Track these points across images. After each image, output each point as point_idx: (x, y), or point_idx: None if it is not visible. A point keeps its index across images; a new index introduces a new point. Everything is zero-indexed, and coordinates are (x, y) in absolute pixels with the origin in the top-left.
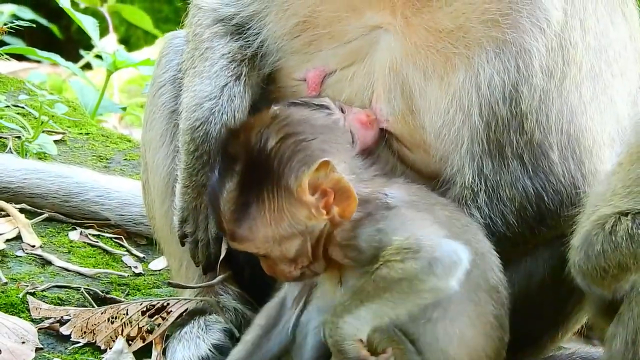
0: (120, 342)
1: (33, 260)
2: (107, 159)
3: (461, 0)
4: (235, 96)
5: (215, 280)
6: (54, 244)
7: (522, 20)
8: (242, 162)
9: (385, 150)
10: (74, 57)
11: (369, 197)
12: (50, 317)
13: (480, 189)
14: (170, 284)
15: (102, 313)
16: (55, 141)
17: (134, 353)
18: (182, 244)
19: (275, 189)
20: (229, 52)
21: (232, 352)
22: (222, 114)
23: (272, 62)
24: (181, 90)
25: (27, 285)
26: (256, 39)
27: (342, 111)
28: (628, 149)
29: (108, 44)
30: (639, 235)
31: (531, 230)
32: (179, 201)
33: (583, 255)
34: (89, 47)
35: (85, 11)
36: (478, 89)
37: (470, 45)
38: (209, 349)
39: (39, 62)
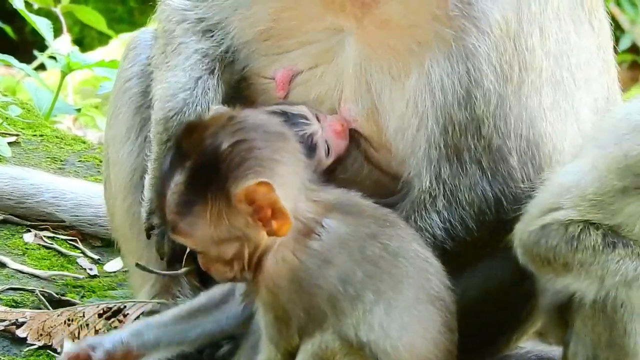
0: (67, 344)
1: None
2: (61, 161)
3: (404, 2)
4: (209, 89)
5: (180, 271)
6: (9, 246)
7: (465, 22)
8: (193, 159)
9: (354, 149)
10: (28, 58)
11: (306, 222)
12: (6, 320)
13: (439, 193)
14: (137, 265)
15: (58, 315)
16: (9, 143)
17: None
18: (148, 237)
19: (218, 192)
20: (203, 48)
21: (166, 312)
22: (196, 105)
23: (243, 60)
24: (148, 85)
25: None
26: (224, 42)
27: (318, 120)
28: (606, 154)
29: (62, 45)
30: (601, 253)
31: (490, 235)
32: (147, 192)
33: (534, 239)
34: (43, 48)
35: (39, 12)
36: (432, 92)
37: (421, 45)
38: None
39: None
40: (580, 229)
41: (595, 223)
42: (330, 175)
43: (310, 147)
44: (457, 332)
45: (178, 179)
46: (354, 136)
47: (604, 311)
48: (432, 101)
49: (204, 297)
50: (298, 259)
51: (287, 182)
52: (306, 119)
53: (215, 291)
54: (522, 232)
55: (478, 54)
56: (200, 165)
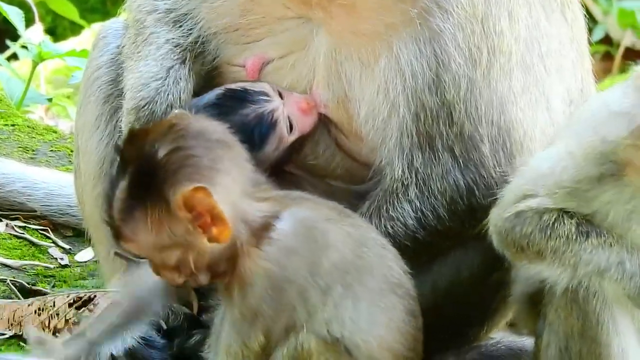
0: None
1: None
2: (33, 151)
3: None
4: (180, 78)
5: None
6: None
7: (428, 2)
8: (133, 166)
9: (325, 135)
10: (0, 48)
11: (262, 219)
12: None
13: (411, 182)
14: (116, 254)
15: (29, 305)
16: None
17: None
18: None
19: (156, 200)
20: (174, 38)
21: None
22: (168, 94)
23: (213, 51)
24: (118, 74)
25: None
26: (192, 33)
27: (281, 97)
28: (583, 142)
29: (34, 35)
30: (575, 242)
31: (462, 224)
32: None
33: (509, 226)
34: (15, 37)
35: (12, 2)
36: (402, 76)
37: (388, 27)
38: (136, 341)
39: None
40: (555, 218)
41: (569, 212)
42: (298, 154)
43: (270, 124)
44: (421, 317)
45: (122, 186)
46: (326, 123)
47: (576, 301)
48: (403, 86)
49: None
50: (264, 252)
51: (226, 189)
52: (267, 95)
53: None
54: (497, 218)
55: (444, 35)
56: (139, 172)
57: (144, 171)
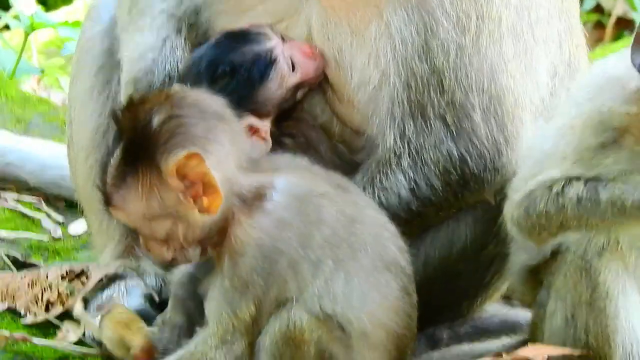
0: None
1: None
2: (25, 122)
3: None
4: (177, 48)
5: None
6: None
7: None
8: (128, 133)
9: (320, 98)
10: None
11: (256, 189)
12: None
13: (404, 152)
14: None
15: (22, 278)
16: None
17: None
18: None
19: (149, 167)
20: (168, 8)
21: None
22: (165, 64)
23: (207, 21)
24: (111, 45)
25: None
26: (185, 1)
27: (283, 40)
28: (582, 112)
29: (26, 5)
30: (586, 200)
31: (455, 195)
32: None
33: (522, 212)
34: (6, 7)
35: None
36: (392, 43)
37: None
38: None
39: None
40: (563, 184)
41: (575, 177)
42: (301, 101)
43: (269, 61)
44: (416, 295)
45: (117, 153)
46: (323, 86)
47: (587, 270)
48: (394, 54)
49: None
50: (255, 221)
51: (219, 159)
52: (266, 35)
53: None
54: (510, 208)
55: (430, 0)
56: (133, 139)
57: (138, 138)
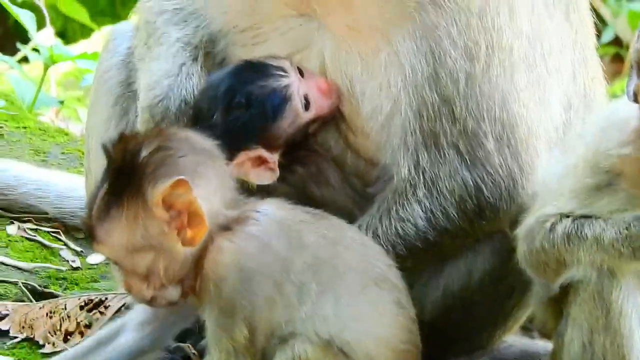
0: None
1: None
2: (44, 153)
3: None
4: (193, 74)
5: None
6: None
7: None
8: (115, 164)
9: (333, 130)
10: (11, 50)
11: (240, 213)
12: None
13: (419, 182)
14: None
15: (40, 308)
16: None
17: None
18: None
19: (134, 197)
20: (184, 36)
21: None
22: (181, 89)
23: (221, 52)
24: (128, 76)
25: None
26: (199, 31)
27: (302, 75)
28: (585, 152)
29: (45, 37)
30: (574, 236)
31: (471, 224)
32: None
33: (526, 248)
34: (26, 40)
35: (22, 4)
36: (402, 72)
37: (386, 21)
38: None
39: None
40: (553, 221)
41: (567, 214)
42: (314, 137)
43: (284, 98)
44: (413, 309)
45: (104, 185)
46: (336, 117)
47: (599, 293)
48: (404, 82)
49: (90, 340)
50: (236, 245)
51: (207, 192)
52: (284, 71)
53: (101, 332)
54: (519, 243)
55: (438, 30)
56: (120, 169)
57: (125, 168)
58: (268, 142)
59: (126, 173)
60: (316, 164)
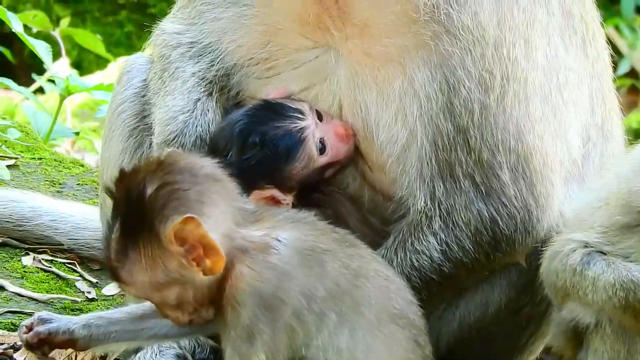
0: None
1: None
2: (60, 184)
3: (376, 4)
4: (208, 110)
5: None
6: (7, 269)
7: (436, 26)
8: (123, 206)
9: (352, 169)
10: (26, 81)
11: (259, 241)
12: (4, 343)
13: (435, 213)
14: None
15: None
16: (8, 166)
17: None
18: None
19: (148, 237)
20: (199, 71)
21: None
22: (197, 126)
23: (236, 84)
24: (142, 109)
25: None
26: (214, 65)
27: (320, 119)
28: (618, 190)
29: (60, 68)
30: (577, 272)
31: (486, 256)
32: None
33: (546, 266)
34: (41, 71)
35: (38, 35)
36: (418, 101)
37: (401, 50)
38: None
39: None
40: (572, 249)
41: (588, 244)
42: (328, 180)
43: (297, 141)
44: (429, 346)
45: (116, 228)
46: (354, 154)
47: (621, 326)
48: (420, 112)
49: (132, 308)
50: (256, 272)
51: (216, 219)
52: (301, 113)
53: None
54: (543, 264)
55: (452, 59)
56: (129, 211)
57: (133, 210)
58: (281, 183)
59: (135, 215)
60: (333, 207)
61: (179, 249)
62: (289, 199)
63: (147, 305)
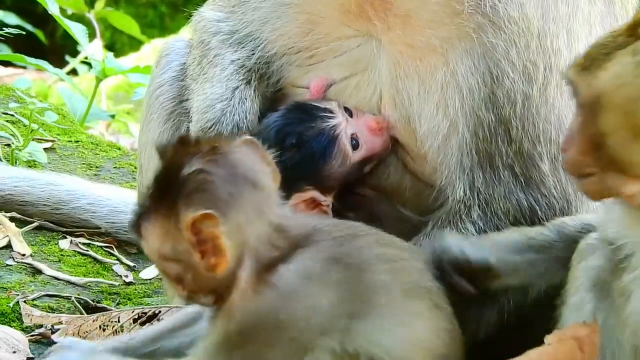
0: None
1: (23, 269)
2: (97, 167)
3: None
4: (246, 98)
5: None
6: (45, 253)
7: (480, 18)
8: (163, 171)
9: (392, 157)
10: (59, 63)
11: (267, 260)
12: (42, 325)
13: (474, 202)
14: None
15: (93, 320)
16: (45, 149)
17: None
18: None
19: (169, 211)
20: (239, 59)
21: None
22: (234, 114)
23: (276, 72)
24: (180, 92)
25: (18, 295)
26: (255, 54)
27: (351, 115)
28: None
29: (94, 50)
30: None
31: None
32: None
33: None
34: (73, 52)
35: (72, 17)
36: (460, 92)
37: (443, 41)
38: None
39: (24, 67)
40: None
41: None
42: (369, 174)
43: (330, 139)
44: (450, 307)
45: (154, 182)
46: (394, 144)
47: None
48: (462, 103)
49: (181, 314)
50: (260, 296)
51: (238, 226)
52: (331, 112)
53: (178, 317)
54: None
55: (497, 50)
56: (165, 179)
57: (169, 179)
58: (321, 183)
59: (168, 183)
60: (368, 209)
61: (191, 236)
62: (329, 199)
63: (173, 322)
